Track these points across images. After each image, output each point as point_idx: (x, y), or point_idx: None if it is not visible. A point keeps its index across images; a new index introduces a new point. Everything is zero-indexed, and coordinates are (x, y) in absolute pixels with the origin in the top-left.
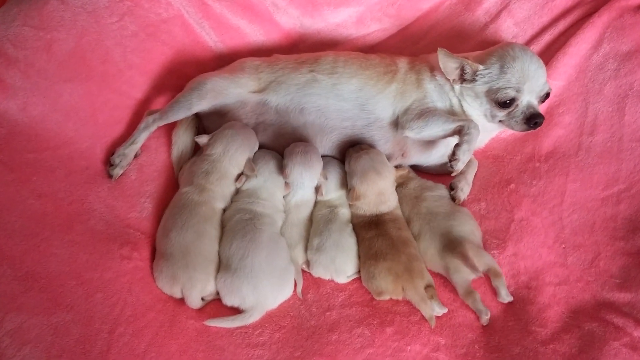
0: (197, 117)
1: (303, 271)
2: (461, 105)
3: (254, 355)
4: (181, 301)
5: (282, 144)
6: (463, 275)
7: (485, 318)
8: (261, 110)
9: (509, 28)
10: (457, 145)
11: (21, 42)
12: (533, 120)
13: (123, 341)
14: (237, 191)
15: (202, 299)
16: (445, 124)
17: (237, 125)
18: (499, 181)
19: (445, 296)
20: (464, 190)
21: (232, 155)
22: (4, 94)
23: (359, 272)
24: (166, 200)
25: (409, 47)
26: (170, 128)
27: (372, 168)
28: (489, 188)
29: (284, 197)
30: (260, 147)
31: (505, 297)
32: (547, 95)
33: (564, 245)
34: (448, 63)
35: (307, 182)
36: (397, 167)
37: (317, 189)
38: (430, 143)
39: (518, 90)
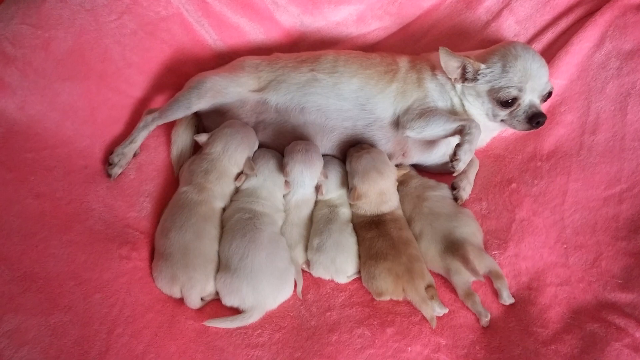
0: (197, 115)
1: (303, 271)
2: (462, 105)
3: (254, 356)
4: (180, 301)
5: (282, 143)
6: (463, 277)
7: (485, 320)
8: (261, 109)
9: (510, 26)
10: (458, 145)
11: (19, 41)
12: (535, 119)
13: (122, 342)
14: (237, 190)
15: (202, 299)
16: (446, 124)
17: (236, 123)
18: (500, 181)
19: (446, 296)
20: (466, 189)
21: (232, 154)
22: (2, 92)
23: (359, 272)
24: (165, 199)
25: (410, 46)
26: (170, 127)
27: (374, 167)
28: (490, 188)
29: (284, 196)
30: (260, 146)
31: (507, 299)
32: (550, 94)
33: (565, 246)
34: (449, 62)
35: (308, 181)
36: (397, 166)
37: (318, 188)
38: (431, 142)
39: (520, 90)
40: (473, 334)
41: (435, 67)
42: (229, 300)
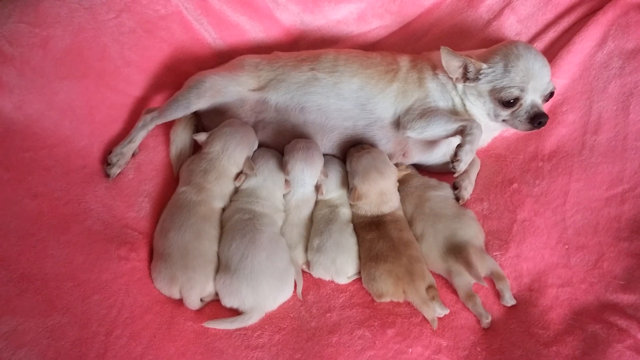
0: (196, 115)
1: (303, 272)
2: (464, 105)
3: (254, 357)
4: (179, 302)
5: (281, 143)
6: (465, 279)
7: (485, 322)
8: (261, 108)
9: (512, 25)
10: (459, 146)
11: (17, 39)
12: (537, 119)
13: (120, 344)
14: (236, 190)
15: (201, 299)
16: (447, 124)
17: (236, 122)
18: (501, 181)
19: (448, 297)
20: (468, 189)
21: (231, 154)
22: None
23: (359, 272)
24: (165, 199)
25: (411, 44)
26: (169, 126)
27: (374, 167)
28: (492, 188)
29: (284, 196)
30: (260, 145)
31: (509, 300)
32: (552, 94)
33: (567, 246)
34: (451, 62)
35: (308, 180)
36: (397, 165)
37: (318, 188)
38: (431, 142)
39: (522, 90)
40: (474, 335)
41: (436, 67)
42: (228, 301)
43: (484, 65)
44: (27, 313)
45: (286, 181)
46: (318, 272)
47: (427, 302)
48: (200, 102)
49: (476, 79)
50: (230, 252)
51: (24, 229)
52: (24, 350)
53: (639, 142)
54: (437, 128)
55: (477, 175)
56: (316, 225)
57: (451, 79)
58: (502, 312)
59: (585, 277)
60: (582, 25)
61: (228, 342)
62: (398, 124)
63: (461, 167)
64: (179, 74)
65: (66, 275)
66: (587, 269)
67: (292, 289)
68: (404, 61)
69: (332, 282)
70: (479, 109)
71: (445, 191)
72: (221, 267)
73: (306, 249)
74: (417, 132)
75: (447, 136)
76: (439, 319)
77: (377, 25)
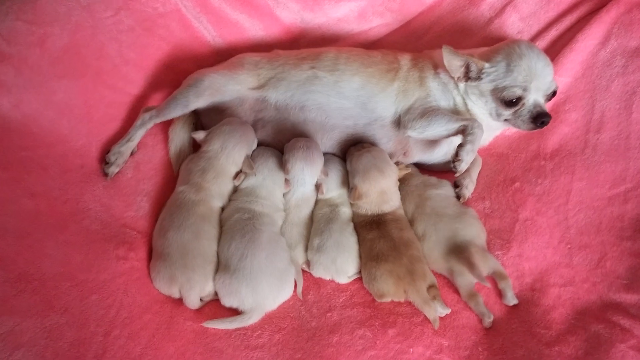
0: (195, 113)
1: (303, 271)
2: (465, 104)
3: (253, 357)
4: (179, 302)
5: (281, 141)
6: (467, 278)
7: (487, 321)
8: (260, 107)
9: (514, 23)
10: (460, 146)
11: (14, 38)
12: (540, 119)
13: (119, 344)
14: (236, 190)
15: (201, 299)
16: (448, 124)
17: (235, 121)
18: (503, 180)
19: (449, 297)
20: (469, 188)
21: (230, 152)
22: None
23: (360, 272)
24: (163, 198)
25: (412, 43)
26: (168, 125)
27: (375, 166)
28: (493, 186)
29: (283, 195)
30: (259, 144)
31: (511, 299)
32: (554, 93)
33: (569, 246)
34: (453, 61)
35: (308, 179)
36: (397, 164)
37: (318, 187)
38: (432, 142)
39: (525, 89)
40: (476, 335)
41: (437, 66)
42: (228, 301)
43: (486, 65)
44: (25, 313)
45: (286, 180)
46: (318, 272)
47: (428, 302)
48: (199, 100)
49: (478, 78)
50: (230, 251)
51: (22, 229)
52: (22, 351)
53: None
54: (438, 127)
55: (479, 173)
56: (316, 224)
57: (453, 78)
58: (504, 311)
59: (588, 276)
60: (585, 23)
61: (228, 342)
62: (399, 123)
63: (462, 167)
64: (177, 72)
65: (64, 275)
66: (590, 268)
67: (292, 288)
68: (405, 60)
69: (333, 281)
70: (481, 109)
71: (446, 189)
72: (221, 266)
73: (306, 249)
74: (418, 132)
75: (448, 136)
76: (441, 318)
77: (377, 23)
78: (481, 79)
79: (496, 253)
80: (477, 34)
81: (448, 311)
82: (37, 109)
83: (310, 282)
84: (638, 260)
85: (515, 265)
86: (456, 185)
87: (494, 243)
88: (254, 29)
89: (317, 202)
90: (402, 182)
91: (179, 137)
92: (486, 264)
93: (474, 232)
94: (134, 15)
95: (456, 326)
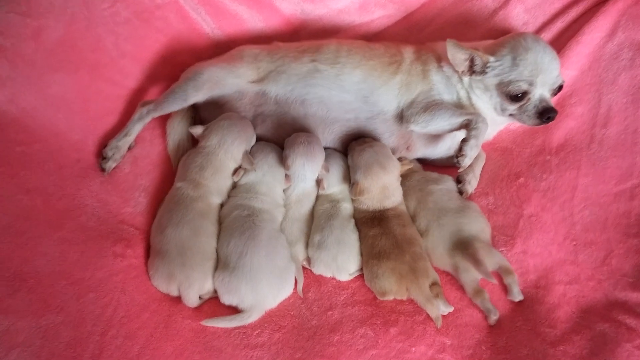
0: (194, 107)
1: (304, 268)
2: (469, 98)
3: (253, 356)
4: (177, 300)
5: (281, 136)
6: (472, 275)
7: (493, 318)
8: (260, 101)
9: (519, 15)
10: (464, 140)
11: (8, 30)
12: (546, 114)
13: (116, 344)
14: (235, 186)
15: (200, 297)
16: (452, 118)
17: (233, 116)
18: (507, 175)
19: (452, 294)
20: (472, 183)
21: (228, 148)
22: None
23: (361, 269)
24: (162, 194)
25: (415, 35)
26: (166, 119)
27: (377, 162)
28: (497, 182)
29: (284, 191)
30: (259, 139)
31: (517, 295)
32: (560, 87)
33: (574, 243)
34: (457, 54)
35: (309, 174)
36: (401, 159)
37: (319, 183)
38: (436, 136)
39: (531, 84)
40: (479, 333)
41: (441, 59)
42: (227, 299)
43: (491, 58)
44: (20, 313)
45: (286, 176)
46: (319, 269)
47: (430, 300)
48: (198, 94)
49: (483, 72)
50: (229, 249)
51: (17, 226)
52: (17, 351)
53: None
54: (442, 122)
55: (482, 168)
56: (317, 220)
57: (456, 71)
58: (508, 309)
59: (594, 274)
60: (592, 15)
61: (227, 341)
62: (401, 117)
63: (466, 162)
64: (175, 65)
65: (60, 273)
66: (595, 265)
67: (293, 286)
68: (408, 52)
69: (334, 279)
70: (485, 103)
71: (447, 184)
72: (220, 264)
73: (307, 245)
74: (421, 126)
75: (452, 130)
76: (443, 316)
77: (379, 14)
78: (486, 73)
79: (500, 249)
80: (481, 25)
81: (451, 309)
82: (32, 103)
83: (310, 279)
84: None
85: (520, 262)
86: (459, 180)
87: (497, 239)
88: (254, 20)
89: (317, 197)
90: (404, 178)
91: (177, 131)
92: (492, 259)
93: (479, 226)
94: (131, 6)
95: (459, 324)
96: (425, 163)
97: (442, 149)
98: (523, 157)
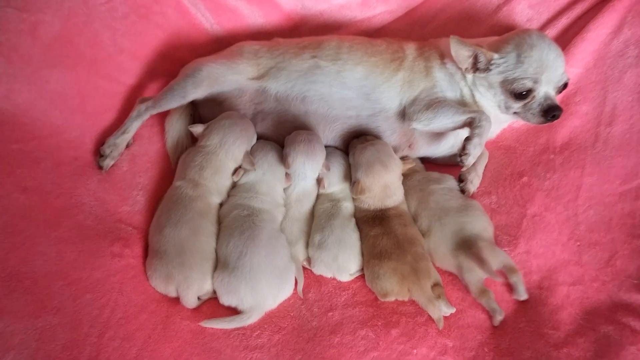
0: (193, 104)
1: (304, 268)
2: (473, 96)
3: (252, 358)
4: (175, 300)
5: (282, 134)
6: (477, 274)
7: (499, 318)
8: (260, 98)
9: (523, 11)
10: (467, 139)
11: (3, 25)
12: (551, 112)
13: (113, 346)
14: (234, 185)
15: (198, 298)
16: (455, 116)
17: (234, 115)
18: (510, 173)
19: (454, 295)
20: (474, 182)
21: (229, 148)
22: None
23: (362, 269)
24: (160, 192)
25: (417, 31)
26: (165, 116)
27: (378, 160)
28: (500, 181)
29: (284, 190)
30: (259, 137)
31: (523, 294)
32: (565, 85)
33: (578, 243)
34: (460, 51)
35: (309, 173)
36: (403, 158)
37: (319, 181)
38: (438, 134)
39: (535, 81)
40: (481, 334)
41: (444, 55)
42: (226, 300)
43: (496, 55)
44: (16, 314)
45: (287, 175)
46: (319, 269)
47: (432, 301)
48: (197, 91)
49: (487, 69)
50: (229, 249)
51: (13, 225)
52: (12, 353)
53: None
54: (445, 120)
55: (485, 167)
56: (317, 220)
57: (460, 68)
58: (511, 310)
59: (598, 275)
60: (597, 11)
61: (226, 342)
62: (403, 114)
63: (469, 161)
64: (174, 61)
65: (57, 273)
66: (600, 266)
67: (293, 286)
68: (410, 49)
69: (334, 279)
70: (489, 101)
71: (449, 183)
72: (219, 264)
73: (307, 245)
74: (424, 124)
75: (455, 128)
76: (445, 318)
77: (381, 10)
78: (490, 70)
79: (503, 249)
80: (484, 21)
81: (453, 310)
82: (29, 99)
83: (311, 279)
84: None
85: (523, 262)
86: (461, 179)
87: (500, 239)
88: (253, 16)
89: (318, 196)
90: (405, 177)
91: (175, 128)
92: (496, 258)
93: (482, 225)
94: (129, 1)
95: (461, 326)
96: (428, 161)
97: (445, 147)
98: (527, 155)
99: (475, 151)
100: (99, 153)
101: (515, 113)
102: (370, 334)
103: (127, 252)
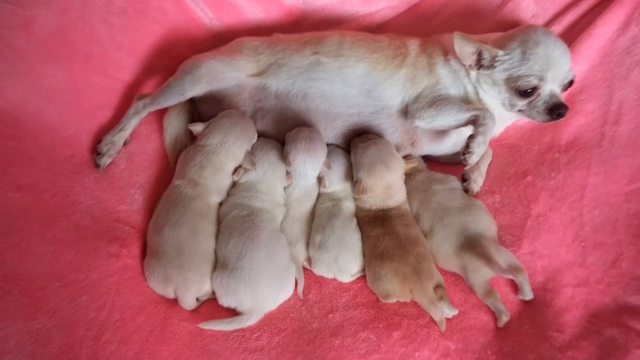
0: (191, 100)
1: (304, 269)
2: (477, 93)
3: None
4: (174, 302)
5: (282, 131)
6: (482, 275)
7: (504, 319)
8: (260, 96)
9: (528, 6)
10: (471, 137)
11: None
12: (556, 111)
13: (110, 349)
14: (234, 184)
15: (197, 299)
16: (458, 114)
17: (235, 114)
18: (514, 173)
19: (456, 296)
20: (477, 181)
21: (230, 147)
22: None
23: (363, 270)
24: (158, 191)
25: (420, 26)
26: (163, 113)
27: (380, 160)
28: (504, 180)
29: (285, 189)
30: (259, 135)
31: (528, 293)
32: (571, 83)
33: (583, 244)
34: (464, 48)
35: (310, 172)
36: (406, 157)
37: (320, 180)
38: (441, 132)
39: (541, 79)
40: (484, 337)
41: (447, 52)
42: (225, 301)
43: (500, 52)
44: (10, 317)
45: (287, 173)
46: (320, 270)
47: (435, 303)
48: (196, 88)
49: (491, 66)
50: (228, 250)
51: (7, 225)
52: (7, 357)
53: None
54: (448, 117)
55: (489, 166)
56: (318, 219)
57: (464, 65)
58: (515, 312)
59: (603, 277)
60: (604, 7)
61: (225, 345)
62: (406, 112)
63: (473, 159)
64: (173, 57)
65: (52, 274)
66: (605, 268)
67: (293, 287)
68: (413, 45)
69: (335, 280)
70: (493, 98)
71: (452, 184)
72: (218, 265)
73: (308, 245)
74: (427, 122)
75: (458, 126)
76: (447, 320)
77: (384, 5)
78: (494, 67)
79: None
80: (488, 17)
81: (455, 312)
82: (23, 95)
83: (311, 280)
84: None
85: (527, 263)
86: (464, 178)
87: (504, 239)
88: (253, 11)
89: (319, 196)
90: (408, 177)
91: (174, 126)
92: (500, 257)
93: (485, 224)
94: None
95: (463, 328)
96: (430, 160)
97: (448, 146)
98: (531, 154)
99: (479, 150)
100: (95, 151)
101: (519, 111)
102: (371, 336)
103: (125, 253)
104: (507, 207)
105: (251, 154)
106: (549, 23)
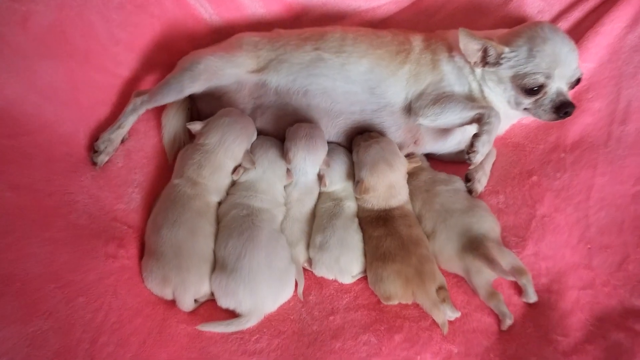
0: (190, 97)
1: (305, 270)
2: (482, 91)
3: None
4: (172, 303)
5: (282, 129)
6: (485, 277)
7: (508, 322)
8: (260, 92)
9: (534, 2)
10: (475, 136)
11: None
12: (563, 109)
13: (107, 351)
14: (234, 183)
15: (195, 300)
16: (463, 112)
17: (234, 112)
18: (519, 172)
19: (459, 298)
20: (481, 181)
21: (229, 147)
22: None
23: (364, 271)
24: (156, 190)
25: (423, 21)
26: (161, 110)
27: (383, 159)
28: (509, 180)
29: (285, 188)
30: (258, 132)
31: (532, 296)
32: (578, 80)
33: (589, 246)
34: (469, 44)
35: (310, 169)
36: (409, 155)
37: (321, 179)
38: (445, 130)
39: (548, 77)
40: (487, 340)
41: (452, 48)
42: (224, 303)
43: (506, 49)
44: (6, 319)
45: (288, 171)
46: (320, 271)
47: (437, 305)
48: (195, 85)
49: (497, 63)
50: (227, 251)
51: (3, 225)
52: None
53: None
54: (452, 115)
55: (493, 165)
56: (319, 220)
57: (468, 62)
58: (519, 315)
59: (609, 279)
60: (611, 4)
61: (224, 347)
62: (409, 109)
63: (477, 158)
64: (172, 52)
65: (49, 275)
66: (611, 270)
67: (293, 289)
68: (417, 41)
69: (336, 281)
70: (499, 96)
71: (456, 185)
72: (217, 265)
73: (308, 246)
74: (430, 119)
75: (463, 124)
76: (450, 322)
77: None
78: (500, 64)
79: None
80: (494, 12)
81: (458, 314)
82: (20, 92)
83: (311, 281)
84: None
85: (531, 264)
86: (468, 178)
87: (508, 240)
88: (254, 5)
89: (320, 195)
90: (411, 176)
91: (172, 123)
92: (504, 259)
93: (488, 225)
94: None
95: (466, 330)
96: (433, 158)
97: (452, 144)
98: (536, 154)
99: (484, 149)
100: (93, 149)
101: (525, 109)
102: (372, 339)
103: (122, 253)
104: (512, 208)
105: (250, 152)
106: (555, 19)
